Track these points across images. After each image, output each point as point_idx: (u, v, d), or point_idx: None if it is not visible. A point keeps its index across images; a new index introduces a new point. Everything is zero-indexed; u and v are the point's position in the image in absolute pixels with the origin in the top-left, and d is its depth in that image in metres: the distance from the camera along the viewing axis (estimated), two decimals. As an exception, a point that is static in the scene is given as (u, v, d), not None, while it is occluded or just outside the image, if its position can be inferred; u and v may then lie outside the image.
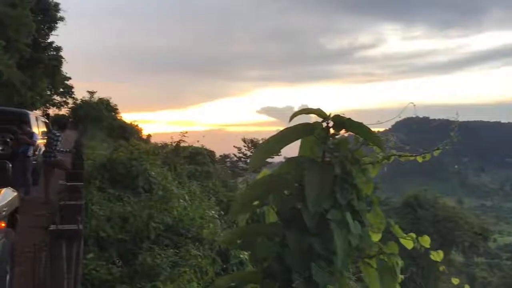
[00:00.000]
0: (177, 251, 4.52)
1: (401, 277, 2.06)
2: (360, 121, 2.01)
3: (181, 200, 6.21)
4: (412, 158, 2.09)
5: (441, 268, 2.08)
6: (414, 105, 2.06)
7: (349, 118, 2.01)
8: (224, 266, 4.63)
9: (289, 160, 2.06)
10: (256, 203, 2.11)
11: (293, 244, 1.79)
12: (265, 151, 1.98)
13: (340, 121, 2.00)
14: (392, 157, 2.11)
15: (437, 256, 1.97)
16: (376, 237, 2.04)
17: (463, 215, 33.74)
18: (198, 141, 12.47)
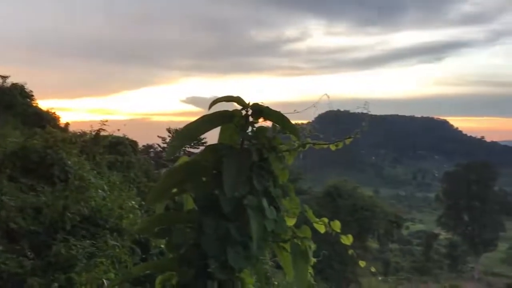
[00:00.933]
0: (94, 242, 4.39)
1: (313, 260, 2.15)
2: (286, 113, 2.07)
3: (100, 191, 6.02)
4: (325, 146, 2.18)
5: (349, 252, 2.19)
6: (328, 96, 2.14)
7: (267, 107, 2.05)
8: (144, 256, 4.56)
9: (207, 147, 2.07)
10: (174, 190, 2.10)
11: (209, 230, 1.81)
12: (183, 138, 1.97)
13: (259, 110, 2.04)
14: (308, 145, 2.19)
15: (347, 240, 2.08)
16: (291, 222, 2.10)
17: (379, 204, 35.58)
18: (118, 129, 12.08)
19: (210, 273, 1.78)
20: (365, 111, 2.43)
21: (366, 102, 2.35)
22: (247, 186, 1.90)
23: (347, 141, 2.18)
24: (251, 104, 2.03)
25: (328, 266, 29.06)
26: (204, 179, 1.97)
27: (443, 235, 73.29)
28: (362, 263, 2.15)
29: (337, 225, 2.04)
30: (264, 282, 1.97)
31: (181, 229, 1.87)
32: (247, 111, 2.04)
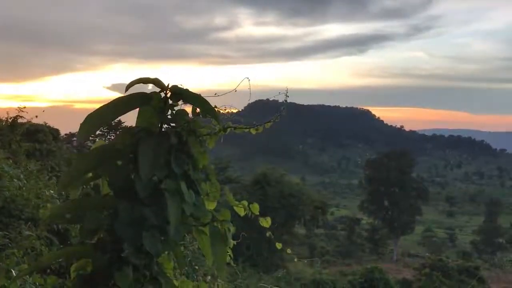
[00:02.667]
0: (7, 233, 4.14)
1: (232, 242, 2.16)
2: (213, 103, 2.05)
3: (15, 180, 5.67)
4: (246, 130, 2.18)
5: (267, 234, 2.22)
6: (249, 79, 2.14)
7: (187, 89, 2.01)
8: (62, 246, 4.37)
9: (123, 130, 2.01)
10: (89, 175, 2.02)
11: (124, 215, 1.75)
12: (96, 121, 1.88)
13: (178, 92, 2.00)
14: (229, 129, 2.18)
15: (265, 222, 2.11)
16: (211, 206, 2.10)
17: (305, 191, 36.53)
18: (36, 116, 11.40)
19: (126, 259, 1.73)
20: (285, 99, 2.45)
21: (287, 90, 2.37)
22: (165, 170, 1.87)
23: (267, 125, 2.20)
24: (170, 86, 1.99)
25: (257, 253, 29.52)
26: (119, 163, 1.90)
27: (365, 219, 76.98)
28: (278, 245, 2.19)
29: (255, 207, 2.06)
30: (184, 267, 1.95)
31: (95, 214, 1.80)
32: (166, 94, 1.99)
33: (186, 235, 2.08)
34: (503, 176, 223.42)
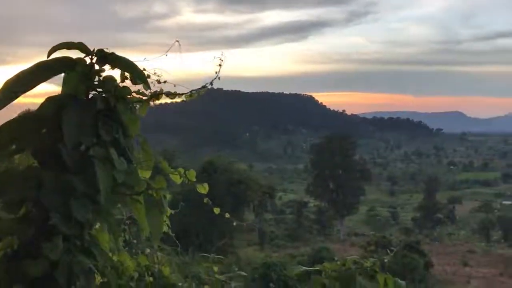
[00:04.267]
0: None
1: (170, 211, 2.11)
2: (136, 62, 1.96)
3: None
4: (179, 96, 2.12)
5: (205, 200, 2.18)
6: (179, 43, 2.07)
7: (113, 53, 1.93)
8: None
9: (48, 98, 1.89)
10: (13, 147, 1.89)
11: (50, 183, 1.66)
12: (14, 88, 1.76)
13: (104, 56, 1.90)
14: (161, 96, 2.11)
15: (202, 188, 2.07)
16: (146, 174, 2.03)
17: (253, 177, 36.82)
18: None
19: (55, 229, 1.64)
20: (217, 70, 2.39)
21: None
22: (92, 137, 1.78)
23: (201, 92, 2.15)
24: (95, 50, 1.89)
25: (206, 241, 29.48)
26: (43, 131, 1.80)
27: (312, 202, 78.77)
28: (216, 210, 2.15)
29: (192, 174, 2.01)
30: (119, 238, 1.88)
31: (19, 185, 1.69)
32: (91, 59, 1.90)
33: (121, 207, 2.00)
34: (440, 155, 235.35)
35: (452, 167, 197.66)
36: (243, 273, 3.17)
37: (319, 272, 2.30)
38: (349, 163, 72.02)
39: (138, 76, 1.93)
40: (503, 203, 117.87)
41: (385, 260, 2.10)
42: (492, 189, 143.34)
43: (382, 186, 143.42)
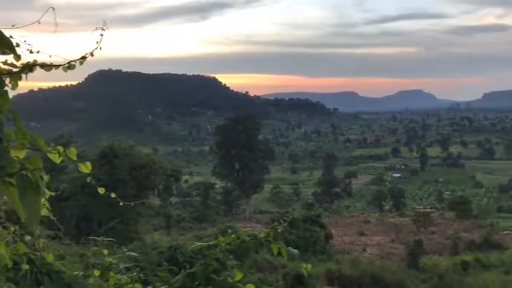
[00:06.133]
0: None
1: (48, 193, 1.95)
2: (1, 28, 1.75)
3: None
4: (57, 67, 1.94)
5: (88, 179, 2.05)
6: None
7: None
8: None
9: None
10: None
11: None
12: None
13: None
14: (35, 67, 1.92)
15: (85, 168, 1.93)
16: (20, 154, 1.85)
17: (157, 161, 36.02)
18: None
19: None
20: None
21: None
22: (-50, 112, 1.57)
23: (83, 59, 1.99)
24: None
25: (110, 229, 28.48)
26: None
27: (219, 183, 79.34)
28: (101, 190, 2.03)
29: (72, 152, 1.87)
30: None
31: None
32: None
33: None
34: (336, 132, 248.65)
35: (347, 144, 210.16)
36: (134, 254, 3.07)
37: (215, 247, 2.28)
38: (253, 143, 73.33)
39: (7, 46, 1.74)
40: (393, 176, 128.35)
41: (279, 230, 2.14)
42: (383, 163, 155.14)
43: (284, 165, 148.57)
